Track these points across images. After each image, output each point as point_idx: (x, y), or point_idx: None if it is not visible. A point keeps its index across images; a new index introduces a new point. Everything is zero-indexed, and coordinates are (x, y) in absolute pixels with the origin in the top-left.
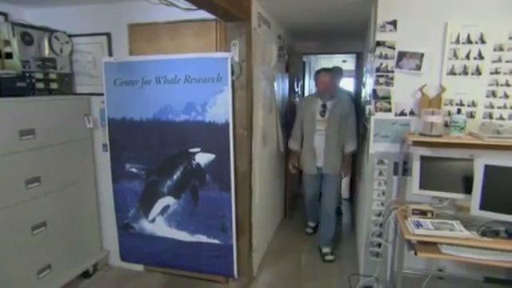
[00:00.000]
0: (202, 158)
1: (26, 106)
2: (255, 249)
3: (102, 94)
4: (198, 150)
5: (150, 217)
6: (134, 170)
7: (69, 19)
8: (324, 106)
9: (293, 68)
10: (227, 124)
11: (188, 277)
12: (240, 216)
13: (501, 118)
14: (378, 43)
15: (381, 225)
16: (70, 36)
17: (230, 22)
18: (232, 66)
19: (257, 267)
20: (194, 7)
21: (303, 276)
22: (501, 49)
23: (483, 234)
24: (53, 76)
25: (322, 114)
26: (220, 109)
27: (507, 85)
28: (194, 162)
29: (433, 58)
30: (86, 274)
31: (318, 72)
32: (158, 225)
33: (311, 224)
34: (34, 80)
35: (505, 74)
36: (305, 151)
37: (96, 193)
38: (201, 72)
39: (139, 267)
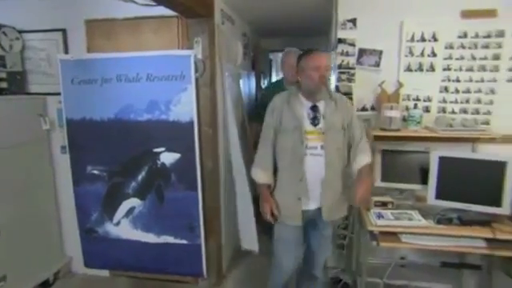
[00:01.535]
0: (167, 158)
1: None
2: (224, 247)
3: (59, 94)
4: (163, 149)
5: (115, 220)
6: (95, 171)
7: (19, 14)
8: (314, 108)
9: (259, 65)
10: (192, 122)
11: (156, 279)
12: (208, 215)
13: (453, 111)
14: (340, 40)
15: (346, 218)
16: (20, 32)
17: (191, 19)
18: (195, 63)
19: (226, 266)
20: (152, 3)
21: None
22: (451, 47)
23: (438, 222)
24: (2, 75)
25: (314, 121)
26: (184, 107)
27: (457, 81)
28: (158, 162)
29: (391, 54)
30: (45, 284)
31: (307, 53)
32: (123, 228)
33: None
34: None
35: (455, 70)
36: (285, 184)
37: (55, 197)
38: (163, 70)
39: (105, 273)
